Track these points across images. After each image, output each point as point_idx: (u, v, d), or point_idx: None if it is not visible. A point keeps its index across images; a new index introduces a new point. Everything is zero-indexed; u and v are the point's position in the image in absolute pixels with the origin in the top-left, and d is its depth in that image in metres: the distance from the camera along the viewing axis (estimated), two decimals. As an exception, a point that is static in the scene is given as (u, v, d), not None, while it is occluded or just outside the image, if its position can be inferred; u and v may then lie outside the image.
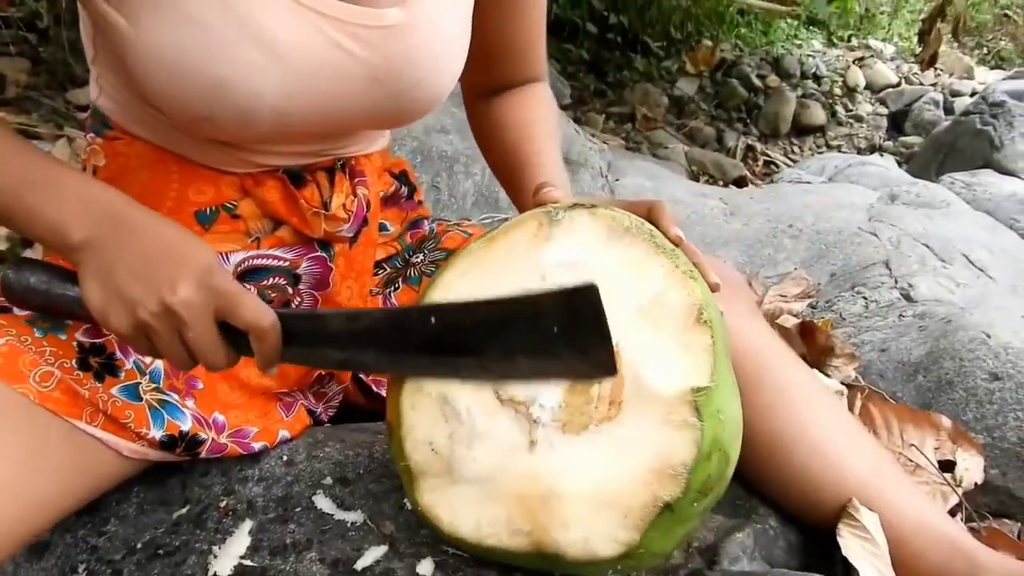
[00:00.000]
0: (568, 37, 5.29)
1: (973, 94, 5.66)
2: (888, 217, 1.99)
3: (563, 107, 4.82)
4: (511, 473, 0.68)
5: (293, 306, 0.92)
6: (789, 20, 6.27)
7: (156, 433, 0.75)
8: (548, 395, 0.68)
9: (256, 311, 0.68)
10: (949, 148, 4.76)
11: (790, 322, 1.45)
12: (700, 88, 5.55)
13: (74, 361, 0.73)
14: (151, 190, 0.87)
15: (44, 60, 2.93)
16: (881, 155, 5.32)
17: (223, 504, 0.77)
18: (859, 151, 5.37)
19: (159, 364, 0.79)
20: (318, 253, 0.94)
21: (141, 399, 0.75)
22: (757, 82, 5.61)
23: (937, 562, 0.92)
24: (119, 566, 0.73)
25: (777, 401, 0.96)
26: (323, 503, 0.77)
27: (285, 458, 0.81)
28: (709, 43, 5.62)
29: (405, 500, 0.78)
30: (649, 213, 0.84)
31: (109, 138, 0.89)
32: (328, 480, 0.79)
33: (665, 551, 0.71)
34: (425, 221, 1.18)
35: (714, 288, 0.77)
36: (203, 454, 0.80)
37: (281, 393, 0.92)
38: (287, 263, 0.92)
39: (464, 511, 0.68)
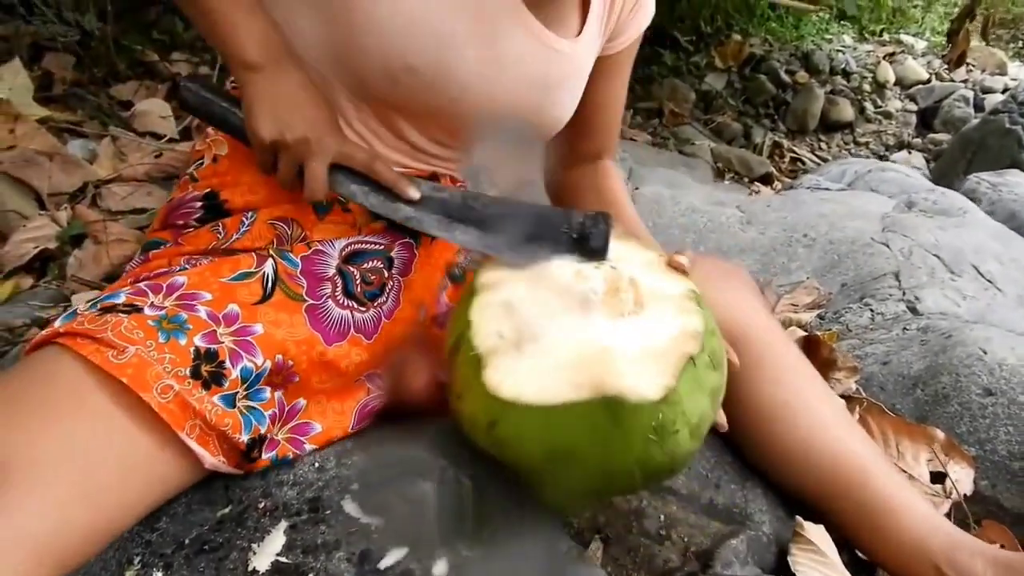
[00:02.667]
0: (597, 32, 5.32)
1: (1005, 90, 5.61)
2: (901, 227, 2.03)
3: (591, 102, 4.86)
4: (571, 342, 0.82)
5: (387, 290, 1.05)
6: (820, 14, 6.24)
7: (245, 436, 0.84)
8: (594, 284, 0.87)
9: (366, 154, 0.93)
10: (977, 146, 4.75)
11: (795, 336, 1.51)
12: (728, 83, 5.56)
13: (188, 370, 0.81)
14: (273, 183, 1.00)
15: (89, 55, 3.01)
16: (910, 152, 5.31)
17: (261, 505, 0.86)
18: (887, 148, 5.37)
19: (266, 367, 0.87)
20: (407, 239, 1.07)
21: (235, 407, 0.84)
22: (786, 78, 5.61)
23: (920, 536, 0.99)
24: (170, 559, 0.81)
25: (782, 375, 1.07)
26: (350, 507, 0.85)
27: (317, 465, 0.90)
28: (738, 38, 5.62)
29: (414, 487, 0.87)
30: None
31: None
32: (355, 486, 0.87)
33: (689, 416, 0.82)
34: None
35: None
36: (264, 455, 0.88)
37: (367, 378, 1.00)
38: (383, 247, 1.06)
39: (528, 379, 0.79)
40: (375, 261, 1.05)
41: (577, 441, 0.79)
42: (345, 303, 0.99)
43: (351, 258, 1.03)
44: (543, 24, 1.02)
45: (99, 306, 0.84)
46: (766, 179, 4.57)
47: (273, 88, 0.91)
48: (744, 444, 1.13)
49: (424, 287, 1.07)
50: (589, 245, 0.91)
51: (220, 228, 1.02)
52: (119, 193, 2.14)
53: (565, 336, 0.83)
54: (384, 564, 0.79)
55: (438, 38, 0.95)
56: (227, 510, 0.85)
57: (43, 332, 0.83)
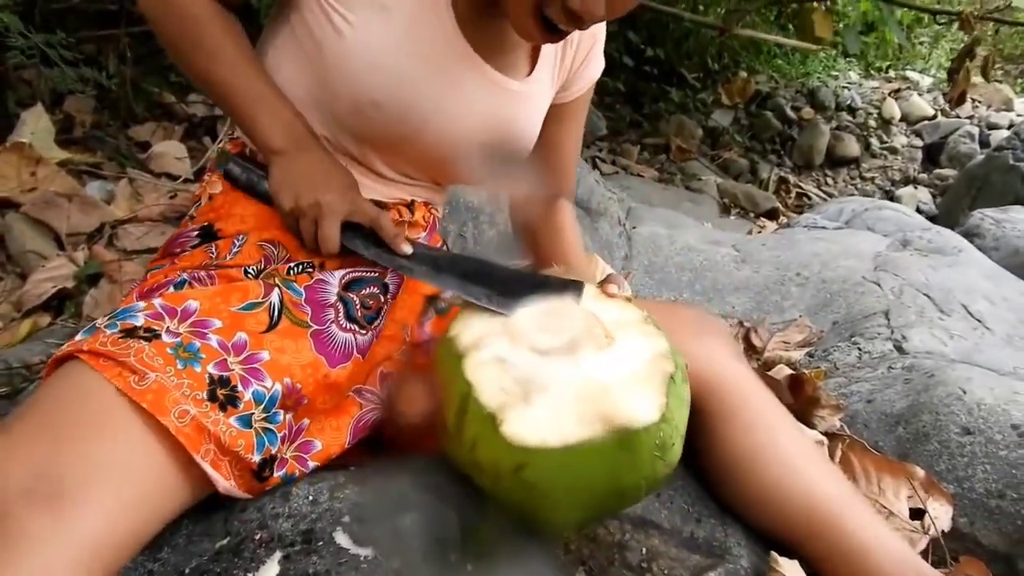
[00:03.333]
0: (605, 70, 5.41)
1: (1011, 126, 5.66)
2: (893, 266, 2.08)
3: (598, 139, 4.95)
4: (570, 383, 0.90)
5: (382, 313, 1.14)
6: (827, 51, 6.33)
7: (257, 457, 0.90)
8: (573, 325, 0.96)
9: (373, 209, 1.06)
10: (982, 182, 4.80)
11: (782, 374, 1.56)
12: (735, 120, 5.64)
13: (204, 393, 0.87)
14: (261, 213, 1.13)
15: (108, 98, 3.10)
16: (915, 188, 5.36)
17: (258, 537, 0.90)
18: (893, 183, 5.41)
19: (277, 390, 0.94)
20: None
21: (251, 427, 0.90)
22: (791, 114, 5.69)
23: (890, 574, 1.03)
24: (170, 588, 0.87)
25: (755, 424, 1.11)
26: (341, 539, 0.90)
27: (311, 498, 0.95)
28: (745, 75, 5.71)
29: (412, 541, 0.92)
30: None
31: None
32: (347, 519, 0.92)
33: (679, 428, 0.93)
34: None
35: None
36: (274, 473, 0.93)
37: (356, 393, 1.06)
38: (378, 274, 1.15)
39: (545, 426, 0.86)
40: (372, 287, 1.14)
41: (595, 472, 0.87)
42: (348, 327, 1.07)
43: (350, 285, 1.11)
44: (494, 67, 1.13)
45: (119, 327, 0.89)
46: (772, 214, 4.63)
47: (294, 166, 1.06)
48: (719, 490, 1.18)
49: (406, 309, 1.14)
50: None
51: (213, 249, 1.11)
52: (134, 233, 2.22)
53: (562, 377, 0.91)
54: (370, 594, 0.84)
55: (398, 77, 1.07)
56: (225, 541, 0.90)
57: (65, 347, 0.89)
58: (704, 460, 1.16)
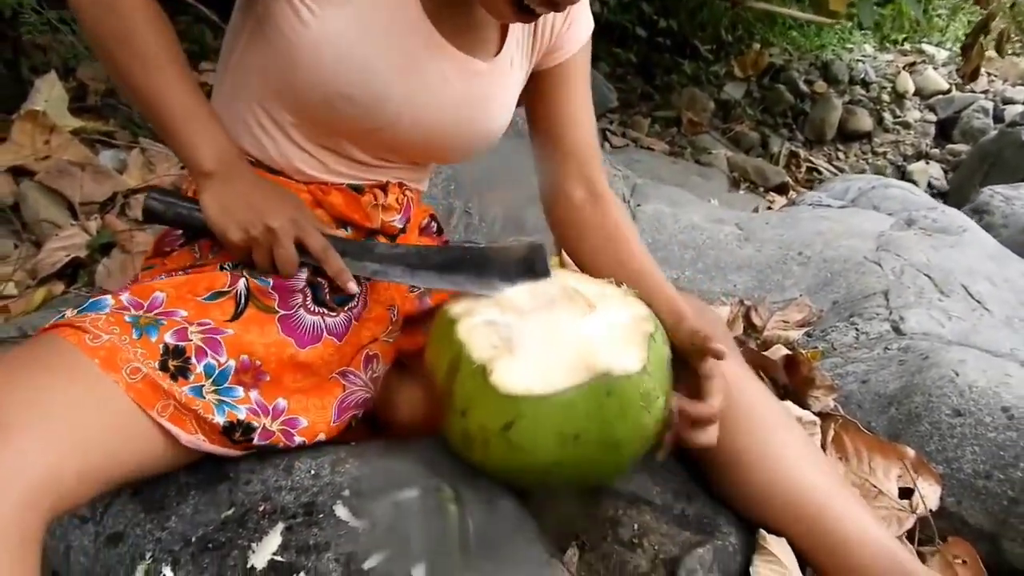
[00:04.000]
0: (618, 41, 5.40)
1: (1026, 102, 5.62)
2: (895, 246, 2.09)
3: (609, 111, 4.94)
4: (554, 338, 0.97)
5: (356, 296, 1.14)
6: (843, 23, 6.26)
7: (219, 419, 0.93)
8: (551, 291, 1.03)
9: (320, 241, 1.03)
10: (995, 158, 4.77)
11: (778, 354, 1.58)
12: (747, 92, 5.61)
13: (156, 363, 0.91)
14: None
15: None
16: (927, 163, 5.33)
17: (261, 508, 0.94)
18: (905, 158, 5.39)
19: (230, 365, 0.97)
20: None
21: (204, 398, 0.94)
22: (804, 87, 5.65)
23: (869, 563, 1.06)
24: (177, 555, 0.91)
25: (742, 424, 1.13)
26: (341, 512, 0.94)
27: (313, 472, 0.99)
28: (759, 47, 5.67)
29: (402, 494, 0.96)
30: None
31: None
32: (347, 492, 0.96)
33: (662, 384, 0.99)
34: None
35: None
36: (255, 440, 0.97)
37: (340, 375, 1.10)
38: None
39: (531, 374, 0.92)
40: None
41: (582, 422, 0.92)
42: (315, 310, 1.09)
43: (320, 270, 1.11)
44: (462, 50, 1.12)
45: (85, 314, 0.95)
46: (782, 189, 4.62)
47: (231, 192, 1.03)
48: (708, 483, 1.21)
49: (390, 288, 1.18)
50: (535, 269, 1.07)
51: (196, 248, 1.13)
52: (146, 203, 2.25)
53: (547, 335, 0.98)
54: (367, 565, 0.87)
55: (366, 69, 1.05)
56: (230, 512, 0.94)
57: (36, 331, 0.94)
58: (694, 455, 1.18)
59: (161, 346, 0.93)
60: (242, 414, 0.96)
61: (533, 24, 1.21)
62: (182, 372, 0.93)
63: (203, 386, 0.94)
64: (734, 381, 1.14)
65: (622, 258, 1.23)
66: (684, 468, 1.22)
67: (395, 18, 1.06)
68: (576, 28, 1.25)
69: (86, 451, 0.83)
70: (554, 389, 0.91)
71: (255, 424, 0.98)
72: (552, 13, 1.19)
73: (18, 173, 2.25)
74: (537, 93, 1.28)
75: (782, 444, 1.13)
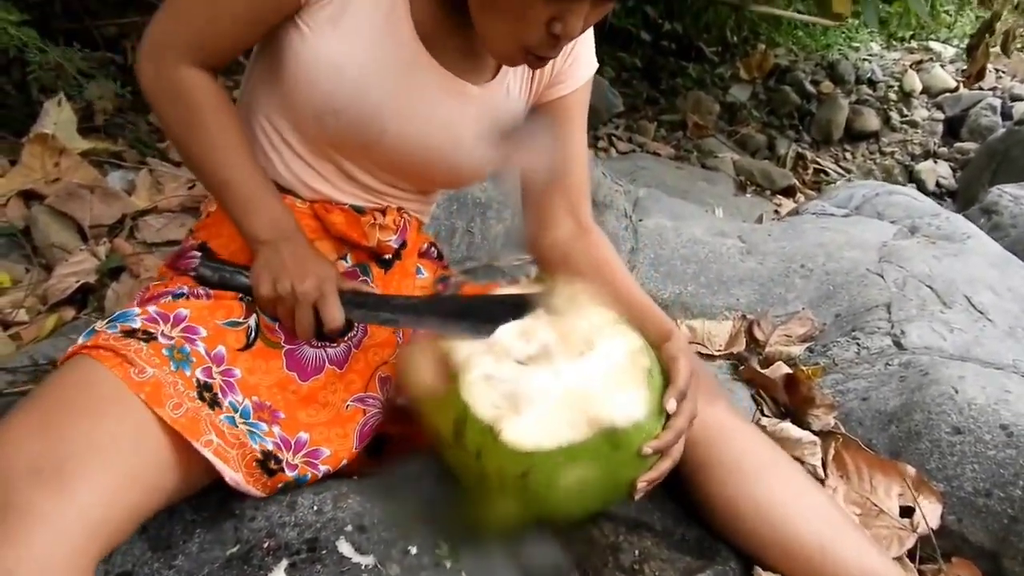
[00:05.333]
0: (622, 45, 5.40)
1: (1035, 99, 5.59)
2: (898, 257, 2.10)
3: (615, 116, 4.94)
4: (555, 392, 0.96)
5: (355, 325, 1.19)
6: (849, 21, 6.24)
7: (255, 446, 0.98)
8: (546, 336, 1.02)
9: (331, 314, 1.06)
10: (1002, 157, 4.76)
11: (778, 372, 1.60)
12: (753, 94, 5.61)
13: (195, 392, 0.97)
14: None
15: (130, 80, 3.13)
16: (935, 162, 5.32)
17: (266, 545, 0.97)
18: (913, 157, 5.38)
19: (248, 404, 1.03)
20: (361, 278, 1.22)
21: (237, 426, 0.99)
22: (810, 88, 5.64)
23: None
24: (185, 592, 0.94)
25: (733, 471, 1.14)
26: (344, 547, 0.96)
27: (316, 508, 1.01)
28: (763, 48, 5.66)
29: (410, 548, 0.98)
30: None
31: None
32: (349, 528, 0.99)
33: (661, 417, 1.01)
34: (451, 278, 1.42)
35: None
36: (286, 471, 1.01)
37: (358, 401, 1.14)
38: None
39: (538, 431, 0.93)
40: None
41: (591, 473, 0.94)
42: (317, 344, 1.14)
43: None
44: (456, 73, 1.15)
45: (119, 328, 0.99)
46: (789, 191, 4.62)
47: (276, 255, 1.09)
48: (709, 524, 1.21)
49: None
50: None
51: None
52: (154, 225, 2.28)
53: (549, 387, 0.97)
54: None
55: (355, 85, 1.09)
56: (235, 549, 0.97)
57: (71, 348, 0.98)
58: (688, 496, 1.19)
59: (195, 379, 0.98)
60: (270, 445, 1.01)
61: None
62: (216, 403, 0.99)
63: (234, 417, 1.00)
64: (722, 428, 1.15)
65: (609, 285, 1.24)
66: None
67: (385, 37, 1.09)
68: (578, 66, 1.27)
69: (135, 489, 0.86)
70: (562, 445, 0.92)
71: (281, 457, 1.02)
72: None
73: (29, 197, 2.28)
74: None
75: (774, 489, 1.13)
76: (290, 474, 1.02)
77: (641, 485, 1.00)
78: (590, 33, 1.29)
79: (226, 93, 1.15)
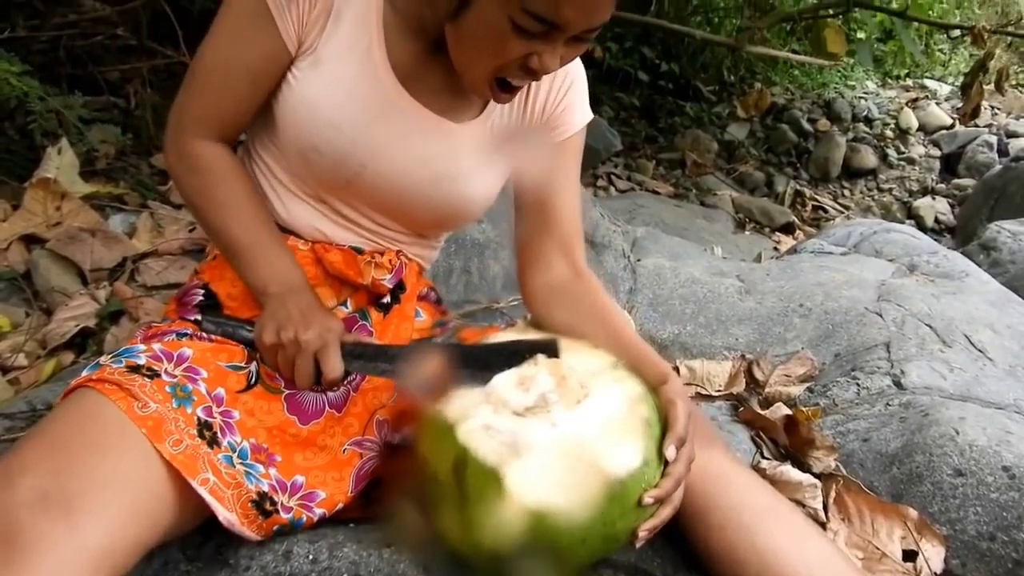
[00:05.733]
0: (621, 86, 5.46)
1: (1030, 135, 5.63)
2: (896, 296, 2.10)
3: (614, 154, 4.98)
4: (552, 444, 0.96)
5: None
6: (844, 59, 6.32)
7: (251, 487, 1.00)
8: (544, 384, 1.02)
9: (331, 365, 1.06)
10: (1000, 193, 4.78)
11: (778, 413, 1.59)
12: (751, 133, 5.65)
13: (195, 429, 0.99)
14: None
15: (132, 125, 3.16)
16: (933, 198, 5.34)
17: (262, 594, 0.97)
18: (911, 194, 5.40)
19: (246, 445, 1.05)
20: (360, 323, 1.24)
21: (235, 466, 1.00)
22: (807, 126, 5.69)
23: None
24: (180, 644, 0.93)
25: (728, 522, 1.11)
26: (340, 597, 0.96)
27: (311, 557, 1.00)
28: (760, 87, 5.72)
29: None
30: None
31: None
32: (345, 576, 0.98)
33: (658, 466, 1.00)
34: (449, 323, 1.42)
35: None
36: (281, 513, 1.02)
37: (355, 445, 1.15)
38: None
39: (538, 484, 0.92)
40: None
41: (590, 527, 0.94)
42: (316, 388, 1.15)
43: None
44: (437, 111, 1.18)
45: (124, 363, 1.02)
46: (788, 229, 4.64)
47: (282, 306, 1.10)
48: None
49: None
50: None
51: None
52: (155, 268, 2.28)
53: (547, 442, 0.97)
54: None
55: (333, 124, 1.14)
56: (231, 600, 0.96)
57: (75, 380, 1.00)
58: (688, 546, 1.18)
59: (196, 417, 1.00)
60: (265, 486, 1.03)
61: (522, 96, 1.25)
62: (216, 442, 1.01)
63: (232, 457, 1.02)
64: (720, 475, 1.13)
65: (604, 329, 1.22)
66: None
67: (362, 78, 1.14)
68: (571, 112, 1.29)
69: (137, 522, 0.88)
70: (563, 499, 0.92)
71: (277, 500, 1.03)
72: (545, 89, 1.26)
73: (30, 241, 2.29)
74: (527, 166, 1.31)
75: (775, 535, 1.10)
76: (285, 516, 1.03)
77: (643, 534, 1.00)
78: (583, 81, 1.31)
79: (239, 162, 1.22)
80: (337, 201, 1.24)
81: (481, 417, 0.98)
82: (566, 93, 1.28)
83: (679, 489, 1.04)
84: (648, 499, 0.97)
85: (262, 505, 1.01)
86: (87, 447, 0.90)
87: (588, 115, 1.33)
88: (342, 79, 1.14)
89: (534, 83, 1.23)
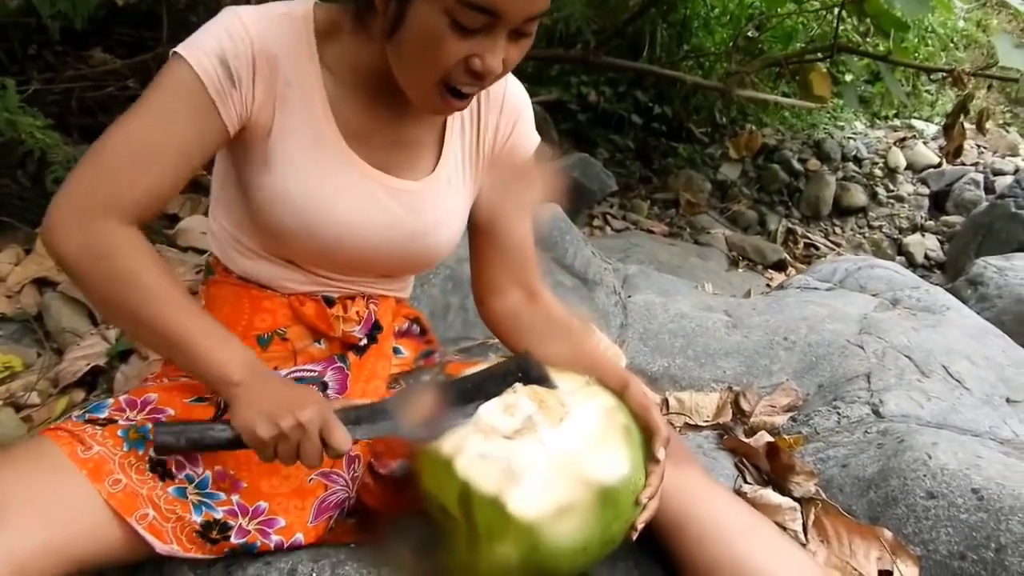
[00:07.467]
0: (615, 128, 5.59)
1: (1016, 172, 5.75)
2: (877, 329, 2.17)
3: (609, 195, 5.09)
4: (545, 461, 1.03)
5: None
6: (833, 101, 6.46)
7: (196, 518, 1.07)
8: (527, 408, 1.09)
9: (340, 439, 1.01)
10: (987, 230, 4.88)
11: (761, 441, 1.66)
12: (743, 172, 5.78)
13: (145, 466, 1.07)
14: (231, 319, 1.23)
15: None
16: (923, 235, 5.44)
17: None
18: (901, 231, 5.51)
19: (207, 476, 1.11)
20: (337, 364, 1.28)
21: (187, 498, 1.08)
22: (798, 166, 5.81)
23: None
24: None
25: (711, 534, 1.14)
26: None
27: (315, 575, 1.07)
28: (751, 128, 5.85)
29: None
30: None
31: (210, 284, 1.29)
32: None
33: (643, 469, 1.10)
34: (436, 353, 1.49)
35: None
36: (232, 539, 1.09)
37: (322, 476, 1.18)
38: (317, 373, 1.26)
39: (538, 501, 0.99)
40: (312, 387, 1.22)
41: (588, 533, 1.02)
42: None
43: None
44: (387, 171, 1.18)
45: (87, 417, 1.11)
46: (780, 266, 4.73)
47: (258, 395, 1.02)
48: None
49: (365, 391, 1.28)
50: (531, 379, 1.16)
51: None
52: (162, 309, 2.35)
53: (539, 459, 1.04)
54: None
55: (296, 206, 1.13)
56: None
57: (39, 431, 1.11)
58: (667, 562, 1.22)
59: (148, 460, 1.08)
60: (219, 514, 1.09)
61: (473, 137, 1.27)
62: (169, 475, 1.08)
63: (186, 488, 1.09)
64: (696, 491, 1.18)
65: (562, 343, 1.29)
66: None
67: (319, 152, 1.13)
68: (518, 139, 1.32)
69: (66, 550, 0.97)
70: (563, 519, 1.00)
71: (231, 524, 1.10)
72: (492, 128, 1.29)
73: (42, 284, 2.37)
74: (479, 198, 1.33)
75: (754, 551, 1.13)
76: (237, 541, 1.10)
77: (639, 527, 1.09)
78: (529, 110, 1.34)
79: (152, 248, 1.08)
80: (313, 267, 1.24)
81: (475, 447, 1.05)
82: (513, 127, 1.30)
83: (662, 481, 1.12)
84: (644, 499, 1.07)
85: (207, 534, 1.08)
86: (27, 473, 1.00)
87: (536, 140, 1.35)
88: (304, 166, 1.13)
89: (480, 126, 1.26)
